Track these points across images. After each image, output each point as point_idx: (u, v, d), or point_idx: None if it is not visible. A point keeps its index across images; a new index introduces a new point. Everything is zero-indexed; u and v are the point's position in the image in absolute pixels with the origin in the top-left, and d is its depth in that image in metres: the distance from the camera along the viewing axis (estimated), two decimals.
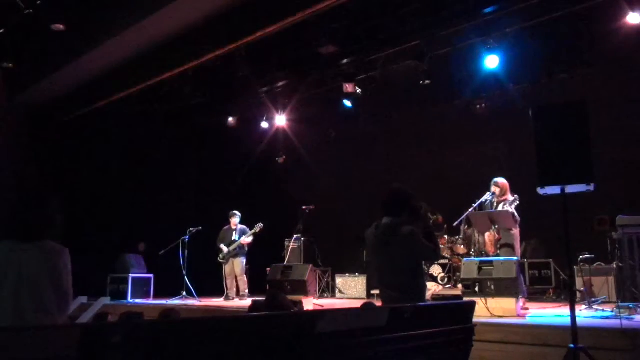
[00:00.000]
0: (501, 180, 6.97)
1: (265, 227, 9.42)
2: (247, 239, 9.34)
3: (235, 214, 9.60)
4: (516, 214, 6.61)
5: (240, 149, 11.45)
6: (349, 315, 2.22)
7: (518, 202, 6.63)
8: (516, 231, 6.72)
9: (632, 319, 4.96)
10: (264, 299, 4.07)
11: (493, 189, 6.99)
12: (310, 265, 8.05)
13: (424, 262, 5.98)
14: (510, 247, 6.70)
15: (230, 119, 10.62)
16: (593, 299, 6.41)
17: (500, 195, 6.92)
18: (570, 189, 3.92)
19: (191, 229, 9.50)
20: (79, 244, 9.75)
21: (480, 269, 5.87)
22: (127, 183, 10.49)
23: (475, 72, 8.56)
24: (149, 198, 10.57)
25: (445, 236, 8.60)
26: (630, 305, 5.52)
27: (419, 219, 3.85)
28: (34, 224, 2.79)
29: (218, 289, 9.65)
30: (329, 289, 9.77)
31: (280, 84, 9.70)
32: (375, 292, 8.05)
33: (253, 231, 9.37)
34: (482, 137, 9.09)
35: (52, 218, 2.88)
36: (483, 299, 5.57)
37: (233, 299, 9.21)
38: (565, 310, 5.19)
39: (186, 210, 10.71)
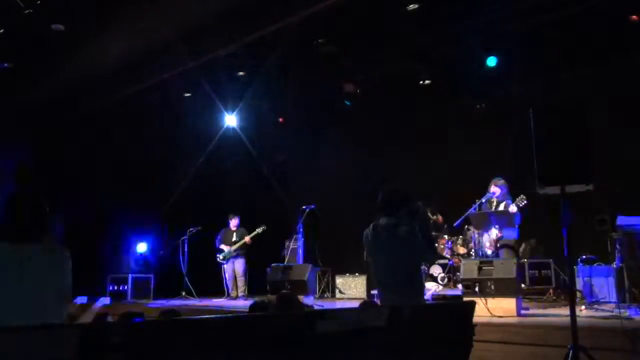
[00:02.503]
0: (500, 179, 6.99)
1: (265, 227, 9.46)
2: (247, 238, 9.38)
3: (236, 216, 9.64)
4: (517, 212, 6.60)
5: (241, 149, 11.44)
6: (349, 315, 2.22)
7: (525, 202, 6.61)
8: (516, 231, 6.72)
9: (632, 319, 4.96)
10: (274, 298, 4.06)
11: (492, 188, 7.00)
12: (310, 265, 8.04)
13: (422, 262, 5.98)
14: (509, 247, 6.70)
15: (231, 119, 10.62)
16: (593, 299, 6.42)
17: (501, 195, 6.93)
18: (570, 189, 3.92)
19: (191, 229, 9.52)
20: (79, 244, 9.78)
21: (480, 269, 5.87)
22: (127, 182, 10.48)
23: (475, 72, 8.56)
24: (149, 198, 10.56)
25: (445, 236, 8.59)
26: (631, 305, 5.52)
27: (416, 219, 3.83)
28: (33, 224, 2.75)
29: (218, 289, 9.66)
30: (329, 289, 9.76)
31: (280, 83, 9.71)
32: (375, 292, 8.05)
33: (255, 232, 9.41)
34: (482, 137, 9.09)
35: (42, 217, 2.81)
36: (483, 299, 5.57)
37: (236, 298, 9.23)
38: (565, 310, 5.19)
39: (186, 210, 10.71)
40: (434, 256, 4.32)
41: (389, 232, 3.76)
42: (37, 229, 2.75)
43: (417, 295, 3.81)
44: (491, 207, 7.04)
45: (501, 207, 6.90)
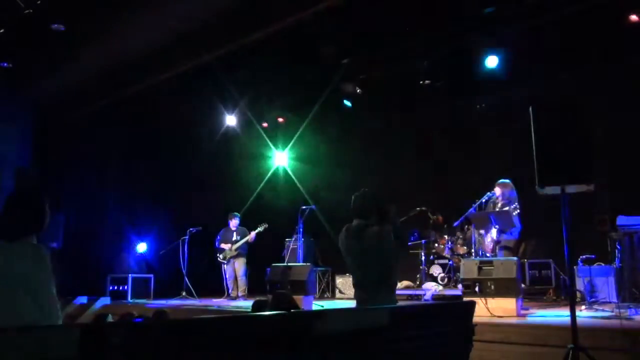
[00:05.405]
0: (504, 182, 6.94)
1: (267, 225, 9.49)
2: (251, 235, 9.40)
3: (235, 215, 9.66)
4: (517, 221, 6.59)
5: (240, 149, 11.45)
6: (349, 315, 2.22)
7: (519, 211, 6.61)
8: (516, 233, 6.72)
9: (632, 319, 4.96)
10: (270, 298, 4.10)
11: (496, 190, 6.97)
12: (310, 265, 8.04)
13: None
14: (509, 249, 6.69)
15: (231, 119, 10.63)
16: (592, 299, 6.42)
17: (504, 197, 6.90)
18: (570, 189, 3.92)
19: (191, 229, 9.52)
20: (79, 244, 9.79)
21: (480, 269, 5.87)
22: (127, 183, 10.49)
23: (475, 72, 8.55)
24: (149, 198, 10.57)
25: (445, 236, 8.59)
26: (630, 305, 5.51)
27: (387, 220, 4.01)
28: (13, 223, 2.72)
29: (218, 289, 9.66)
30: (329, 289, 9.76)
31: (280, 83, 9.70)
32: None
33: (257, 230, 9.44)
34: (482, 137, 9.09)
35: (36, 216, 2.80)
36: (483, 299, 5.57)
37: (236, 298, 9.24)
38: (565, 310, 5.19)
39: (186, 210, 10.73)
40: (400, 255, 4.52)
41: (359, 234, 4.00)
42: (26, 228, 2.73)
43: (389, 293, 3.99)
44: (494, 209, 7.03)
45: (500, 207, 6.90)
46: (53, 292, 2.69)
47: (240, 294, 9.36)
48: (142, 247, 10.50)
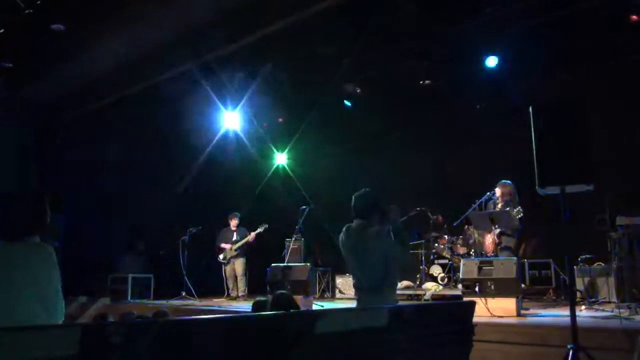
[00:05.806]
0: (504, 183, 6.93)
1: (267, 225, 9.49)
2: (252, 235, 9.40)
3: (236, 215, 9.67)
4: (518, 223, 6.59)
5: (240, 149, 11.45)
6: (349, 315, 2.22)
7: (522, 215, 6.60)
8: (517, 234, 6.71)
9: (632, 319, 4.96)
10: (270, 298, 4.10)
11: (496, 190, 6.96)
12: (310, 265, 8.05)
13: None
14: (510, 250, 6.69)
15: (230, 119, 10.62)
16: (592, 299, 6.42)
17: (502, 197, 6.89)
18: (570, 189, 3.92)
19: (191, 229, 9.52)
20: (79, 244, 9.79)
21: (480, 269, 5.86)
22: (127, 182, 10.48)
23: (475, 72, 8.55)
24: (149, 198, 10.56)
25: (445, 236, 8.59)
26: (630, 305, 5.51)
27: (387, 220, 4.04)
28: (17, 222, 2.73)
29: (218, 289, 9.67)
30: (329, 289, 9.76)
31: (281, 83, 9.70)
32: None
33: (257, 231, 9.44)
34: (482, 137, 9.09)
35: (38, 216, 2.81)
36: (483, 299, 5.57)
37: (236, 298, 9.25)
38: (565, 310, 5.19)
39: (186, 210, 10.72)
40: (406, 256, 4.54)
41: (359, 234, 4.00)
42: (28, 228, 2.73)
43: (390, 293, 4.00)
44: (494, 209, 7.01)
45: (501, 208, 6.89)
46: (59, 289, 2.71)
47: (240, 294, 9.37)
48: (142, 247, 10.50)
